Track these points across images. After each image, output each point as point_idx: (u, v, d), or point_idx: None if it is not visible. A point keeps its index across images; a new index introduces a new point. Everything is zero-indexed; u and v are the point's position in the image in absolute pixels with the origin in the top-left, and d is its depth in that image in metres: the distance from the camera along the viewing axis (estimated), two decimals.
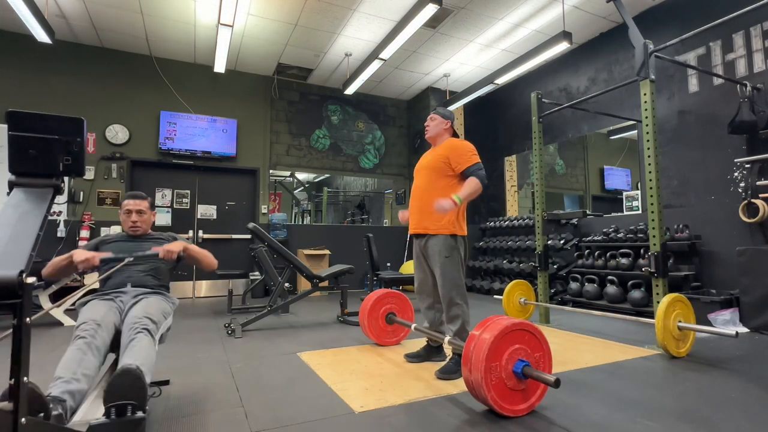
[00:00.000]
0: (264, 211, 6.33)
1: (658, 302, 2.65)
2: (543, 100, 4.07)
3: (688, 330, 2.63)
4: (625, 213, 4.84)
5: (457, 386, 2.12)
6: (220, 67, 5.34)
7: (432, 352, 2.62)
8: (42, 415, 1.14)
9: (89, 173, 5.39)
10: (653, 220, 2.89)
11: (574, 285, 4.65)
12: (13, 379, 0.86)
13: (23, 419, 0.87)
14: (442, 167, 2.46)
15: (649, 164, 2.92)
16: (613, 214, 5.01)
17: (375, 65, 5.34)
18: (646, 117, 2.96)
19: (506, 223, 6.22)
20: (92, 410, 1.47)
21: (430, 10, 4.14)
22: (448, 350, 2.58)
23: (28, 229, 0.95)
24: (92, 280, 3.58)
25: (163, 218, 5.82)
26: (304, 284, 5.74)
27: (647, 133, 2.95)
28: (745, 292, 3.40)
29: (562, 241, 5.03)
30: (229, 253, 6.09)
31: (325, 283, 3.93)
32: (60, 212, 5.15)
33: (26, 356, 0.88)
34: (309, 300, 5.49)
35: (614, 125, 5.17)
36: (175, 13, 4.76)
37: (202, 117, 5.94)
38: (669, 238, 3.99)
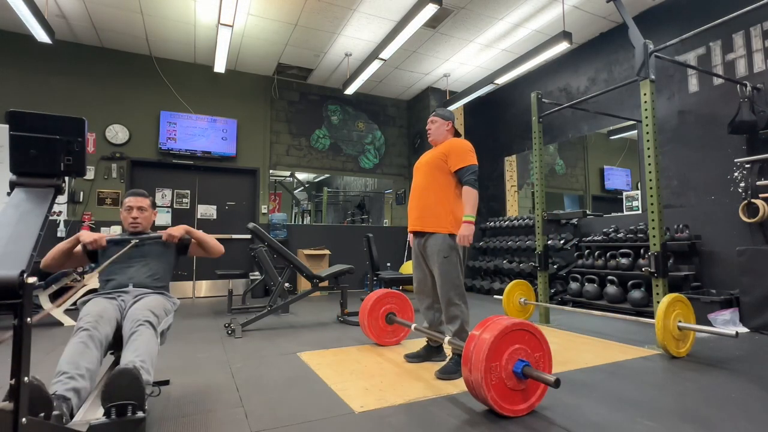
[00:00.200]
0: (264, 211, 6.33)
1: (658, 302, 2.66)
2: (543, 100, 4.07)
3: (688, 330, 2.63)
4: (625, 213, 4.84)
5: (457, 386, 2.12)
6: (220, 67, 5.34)
7: (432, 352, 2.62)
8: (42, 415, 1.14)
9: (89, 173, 5.39)
10: (653, 220, 2.89)
11: (574, 285, 4.65)
12: (13, 379, 0.86)
13: (24, 419, 0.87)
14: (441, 165, 2.46)
15: (649, 164, 2.92)
16: (613, 214, 5.01)
17: (375, 65, 5.34)
18: (646, 117, 2.96)
19: (506, 223, 6.22)
20: (92, 410, 1.47)
21: (430, 10, 4.14)
22: (447, 350, 2.58)
23: (29, 229, 0.95)
24: (93, 280, 3.57)
25: (163, 218, 5.82)
26: (304, 284, 5.74)
27: (647, 133, 2.95)
28: (745, 292, 3.40)
29: (562, 241, 5.03)
30: (229, 253, 6.09)
31: (325, 283, 3.93)
32: (60, 212, 5.15)
33: (27, 356, 0.88)
34: (309, 300, 5.49)
35: (614, 125, 5.17)
36: (175, 13, 4.76)
37: (202, 117, 5.94)
38: (669, 238, 4.00)
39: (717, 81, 3.95)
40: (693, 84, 4.17)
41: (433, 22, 4.89)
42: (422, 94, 7.09)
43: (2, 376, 2.28)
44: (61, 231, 5.11)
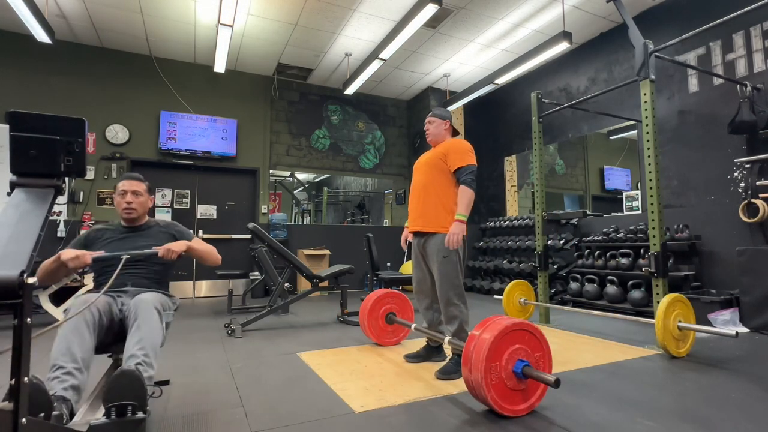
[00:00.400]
0: (264, 211, 6.33)
1: (658, 302, 2.66)
2: (543, 100, 4.07)
3: (688, 330, 2.63)
4: (625, 213, 4.84)
5: (457, 386, 2.12)
6: (220, 67, 5.34)
7: (432, 352, 2.62)
8: (42, 415, 1.14)
9: (89, 173, 5.39)
10: (653, 220, 2.89)
11: (574, 285, 4.65)
12: (13, 379, 0.86)
13: (23, 419, 0.87)
14: (440, 165, 2.46)
15: (649, 164, 2.92)
16: (613, 214, 5.01)
17: (375, 65, 5.34)
18: (646, 117, 2.96)
19: (506, 223, 6.22)
20: (92, 410, 1.47)
21: (430, 10, 4.14)
22: (447, 350, 2.58)
23: (29, 230, 0.95)
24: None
25: (163, 218, 5.82)
26: (304, 284, 5.74)
27: (647, 133, 2.95)
28: (745, 292, 3.40)
29: (562, 241, 5.03)
30: (229, 253, 6.09)
31: (325, 283, 3.93)
32: (60, 212, 5.15)
33: (27, 356, 0.88)
34: (309, 300, 5.49)
35: (614, 125, 5.17)
36: (175, 13, 4.76)
37: (202, 117, 5.94)
38: (669, 238, 4.00)
39: (717, 81, 3.95)
40: (693, 84, 4.17)
41: (433, 22, 4.89)
42: (422, 94, 7.09)
43: (3, 377, 2.28)
44: (61, 231, 5.11)
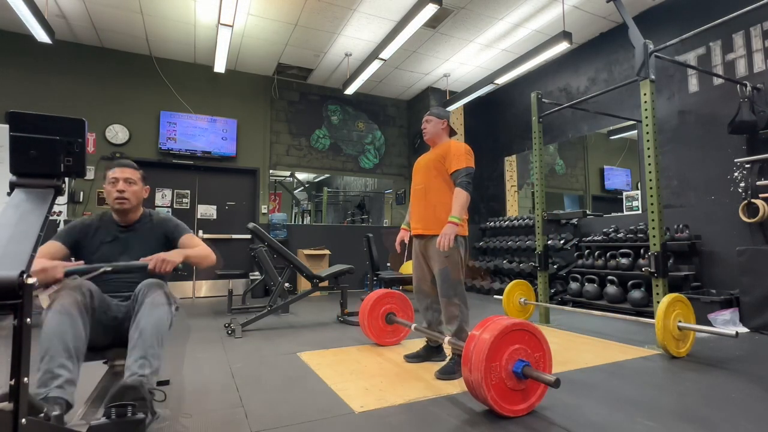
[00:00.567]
0: (264, 211, 6.33)
1: (658, 302, 2.66)
2: (543, 100, 4.07)
3: (688, 330, 2.63)
4: (625, 213, 4.84)
5: (456, 386, 2.12)
6: (220, 67, 5.34)
7: (432, 352, 2.62)
8: (42, 415, 1.14)
9: (89, 173, 5.39)
10: (653, 220, 2.89)
11: (574, 285, 4.65)
12: (13, 380, 0.86)
13: (23, 419, 0.87)
14: (439, 167, 2.46)
15: (649, 164, 2.92)
16: (613, 214, 5.01)
17: (375, 65, 5.34)
18: (646, 117, 2.96)
19: (506, 223, 6.22)
20: (92, 410, 1.47)
21: (430, 10, 4.14)
22: (447, 350, 2.58)
23: (29, 230, 0.95)
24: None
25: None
26: (304, 284, 5.74)
27: (647, 133, 2.95)
28: (745, 292, 3.40)
29: (562, 241, 5.03)
30: (229, 253, 6.09)
31: (325, 283, 3.93)
32: (60, 212, 5.15)
33: (26, 356, 0.88)
34: (309, 300, 5.49)
35: (614, 125, 5.17)
36: (175, 13, 4.76)
37: (202, 117, 5.94)
38: (669, 238, 3.99)
39: (717, 81, 3.95)
40: (693, 84, 4.17)
41: (433, 22, 4.89)
42: (422, 94, 7.09)
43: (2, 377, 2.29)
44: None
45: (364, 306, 3.01)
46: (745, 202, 3.60)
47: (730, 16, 2.71)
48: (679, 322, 2.62)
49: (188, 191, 6.05)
